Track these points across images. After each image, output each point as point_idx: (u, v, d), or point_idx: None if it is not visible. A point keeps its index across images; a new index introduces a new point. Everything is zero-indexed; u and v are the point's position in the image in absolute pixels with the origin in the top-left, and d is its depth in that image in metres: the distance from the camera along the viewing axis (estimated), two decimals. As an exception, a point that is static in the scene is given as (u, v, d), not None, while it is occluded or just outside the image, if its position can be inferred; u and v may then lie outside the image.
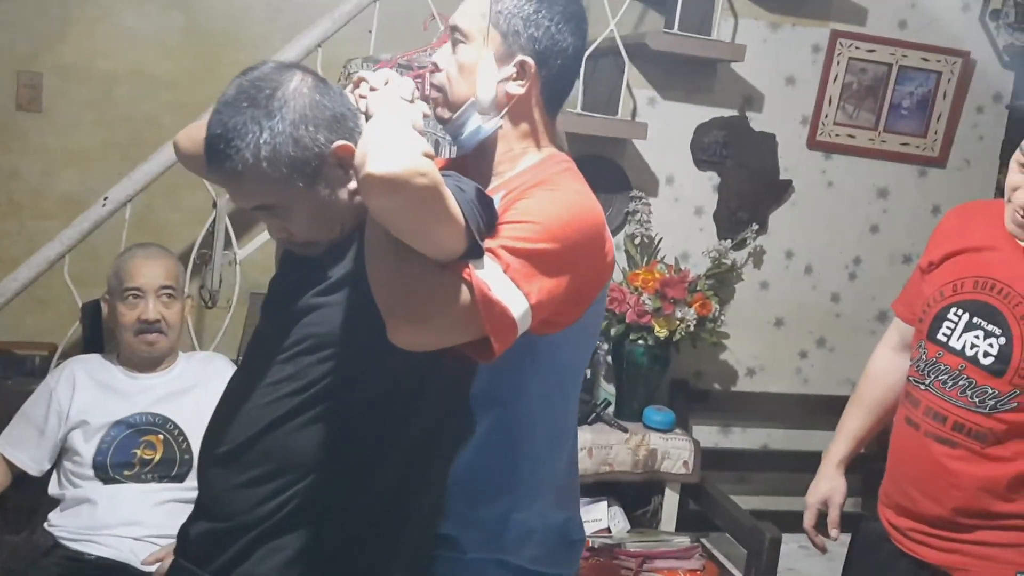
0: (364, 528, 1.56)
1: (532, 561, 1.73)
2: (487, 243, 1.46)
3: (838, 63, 3.81)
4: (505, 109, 1.66)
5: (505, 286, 1.44)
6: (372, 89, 1.55)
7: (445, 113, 1.71)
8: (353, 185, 1.53)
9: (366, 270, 1.45)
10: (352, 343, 1.53)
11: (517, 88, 1.65)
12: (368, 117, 1.51)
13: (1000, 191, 4.00)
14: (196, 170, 1.74)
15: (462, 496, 1.68)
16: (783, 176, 3.77)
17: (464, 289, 1.40)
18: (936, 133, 3.99)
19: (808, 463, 2.62)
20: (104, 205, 2.95)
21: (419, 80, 2.95)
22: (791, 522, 2.84)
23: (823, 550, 2.41)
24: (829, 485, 2.38)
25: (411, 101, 1.55)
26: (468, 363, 1.56)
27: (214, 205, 3.11)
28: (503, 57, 1.65)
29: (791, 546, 3.42)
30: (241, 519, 1.55)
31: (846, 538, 2.41)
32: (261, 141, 1.45)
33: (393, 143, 1.33)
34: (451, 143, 1.81)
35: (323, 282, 1.56)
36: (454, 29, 1.69)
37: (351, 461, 1.55)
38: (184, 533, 1.67)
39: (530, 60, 1.64)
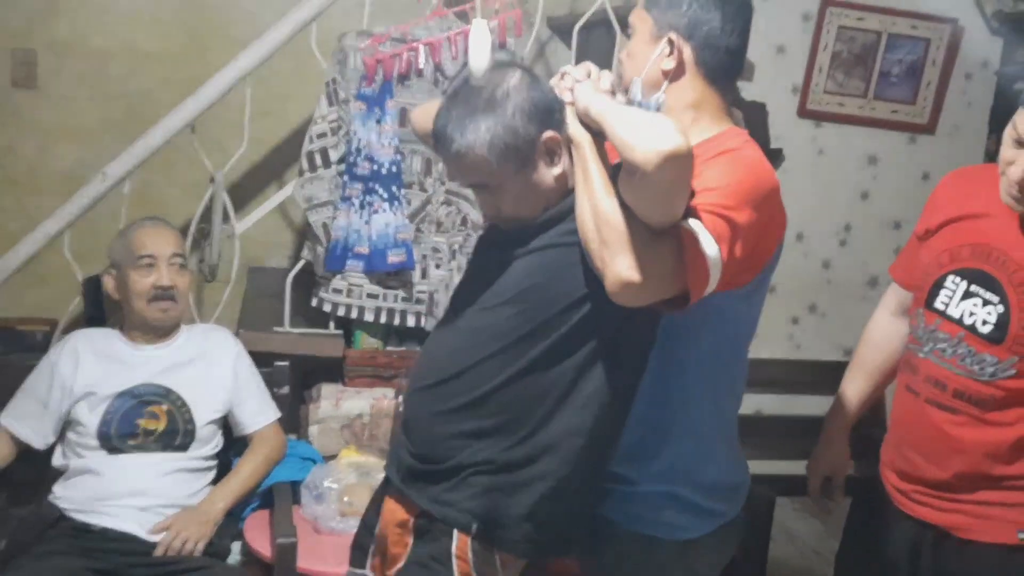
0: (573, 468, 1.72)
1: (701, 495, 1.85)
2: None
3: (828, 31, 3.83)
4: (664, 84, 1.78)
5: (708, 244, 1.58)
6: (577, 81, 1.72)
7: (621, 98, 1.82)
8: (558, 170, 1.71)
9: (580, 236, 1.63)
10: (558, 298, 1.69)
11: (669, 63, 1.78)
12: (577, 107, 1.69)
13: (989, 157, 4.06)
14: (426, 142, 1.93)
15: (638, 441, 1.83)
16: (774, 145, 3.79)
17: (678, 249, 1.57)
18: (925, 100, 4.01)
19: (801, 427, 2.64)
20: (103, 180, 2.96)
21: (413, 53, 2.99)
22: (785, 485, 2.88)
23: (828, 515, 2.42)
24: (834, 455, 2.38)
25: (612, 93, 1.73)
26: (653, 317, 1.73)
27: (212, 180, 3.12)
28: (655, 37, 1.79)
29: (785, 508, 3.47)
30: (446, 451, 1.74)
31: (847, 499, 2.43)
32: (483, 131, 1.66)
33: (660, 123, 1.49)
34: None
35: (529, 243, 1.73)
36: (625, 24, 1.89)
37: (556, 408, 1.71)
38: (397, 459, 1.86)
39: (675, 35, 1.76)
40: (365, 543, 1.93)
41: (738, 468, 1.96)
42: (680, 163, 1.47)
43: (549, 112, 1.70)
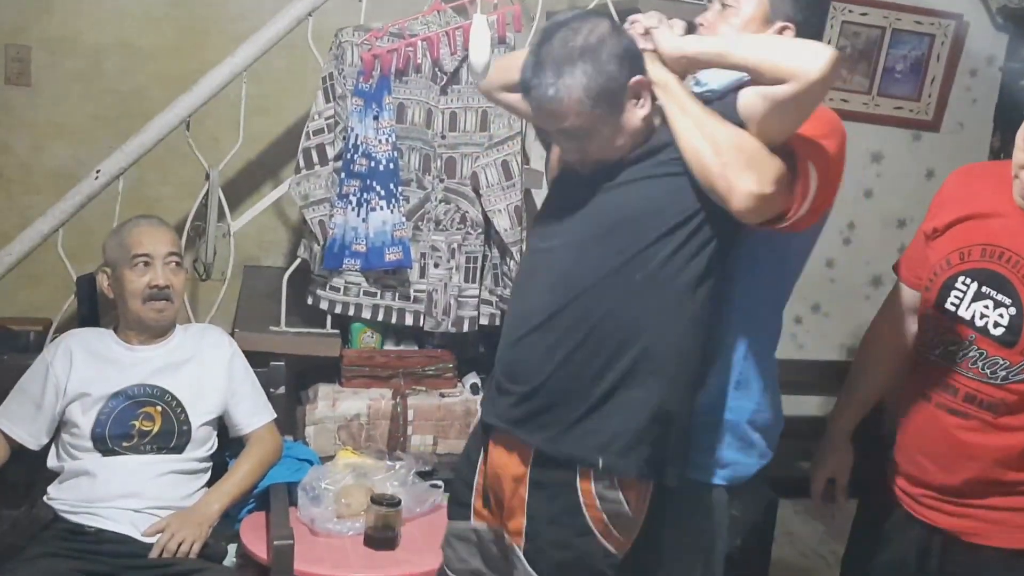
0: (674, 389, 1.81)
1: (746, 426, 1.95)
2: None
3: (831, 27, 3.81)
4: None
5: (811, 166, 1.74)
6: (650, 28, 1.80)
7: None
8: (644, 112, 1.79)
9: (691, 166, 1.73)
10: (654, 226, 1.77)
11: None
12: (663, 51, 1.77)
13: (994, 154, 4.04)
14: (500, 98, 2.04)
15: None
16: (777, 141, 3.77)
17: (789, 164, 1.72)
18: (930, 97, 4.00)
19: (803, 428, 2.62)
20: (96, 178, 2.94)
21: (411, 49, 2.97)
22: (787, 486, 2.86)
23: (832, 517, 2.40)
24: (837, 457, 2.35)
25: None
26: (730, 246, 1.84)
27: (207, 177, 3.09)
28: (767, 20, 1.87)
29: (787, 510, 3.44)
30: (560, 385, 1.80)
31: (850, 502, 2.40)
32: (579, 75, 1.72)
33: (801, 45, 1.67)
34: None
35: (616, 177, 1.82)
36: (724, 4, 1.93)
37: (658, 333, 1.78)
38: (500, 407, 1.90)
39: (791, 26, 1.86)
40: (464, 497, 2.00)
41: (776, 408, 2.02)
42: (833, 76, 1.63)
43: (637, 57, 1.77)
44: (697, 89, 1.84)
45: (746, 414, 1.93)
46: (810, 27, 1.86)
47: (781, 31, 1.85)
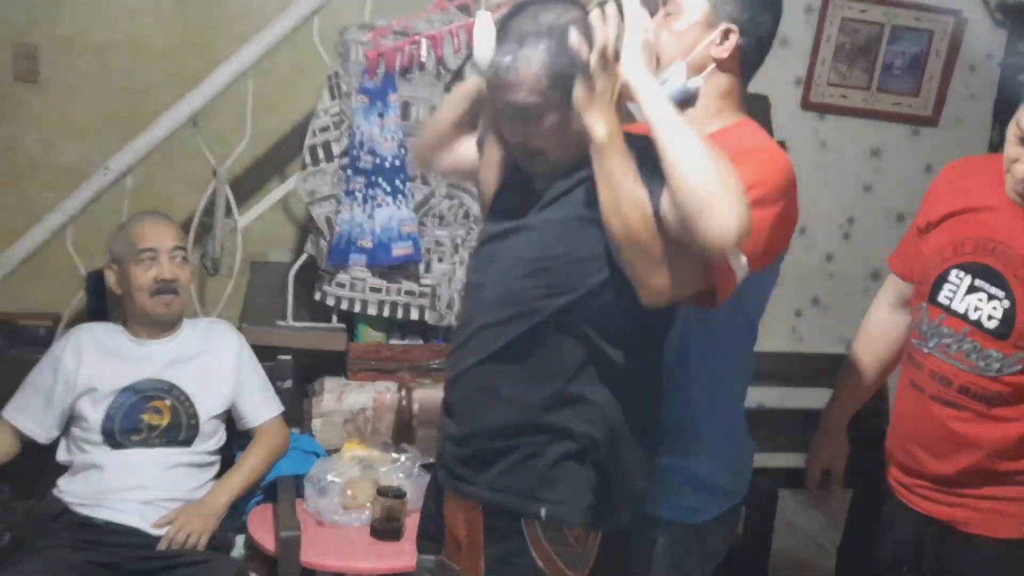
0: (618, 437, 1.72)
1: (715, 473, 1.88)
2: None
3: (831, 23, 3.82)
4: (708, 70, 1.80)
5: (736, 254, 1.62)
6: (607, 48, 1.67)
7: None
8: None
9: (606, 229, 1.61)
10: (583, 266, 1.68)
11: (721, 52, 1.79)
12: (621, 75, 1.63)
13: (993, 149, 4.05)
14: (438, 163, 1.98)
15: None
16: (776, 137, 3.75)
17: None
18: (928, 92, 4.00)
19: (803, 420, 2.63)
20: (105, 174, 2.96)
21: (415, 46, 2.98)
22: (787, 477, 2.88)
23: (828, 508, 2.41)
24: (832, 448, 2.36)
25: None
26: None
27: (214, 174, 3.12)
28: (709, 24, 1.79)
29: (787, 500, 3.46)
30: (493, 429, 1.74)
31: (846, 492, 2.42)
32: (541, 49, 1.63)
33: (733, 191, 1.52)
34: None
35: (540, 205, 1.72)
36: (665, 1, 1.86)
37: (593, 378, 1.70)
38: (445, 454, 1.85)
39: (734, 28, 1.78)
40: (432, 531, 1.93)
41: (748, 450, 1.98)
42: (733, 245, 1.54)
43: None
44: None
45: (710, 465, 1.87)
46: (757, 26, 1.79)
47: (725, 34, 1.78)
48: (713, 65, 1.79)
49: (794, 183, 1.75)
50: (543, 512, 1.70)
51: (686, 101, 1.81)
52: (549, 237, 1.70)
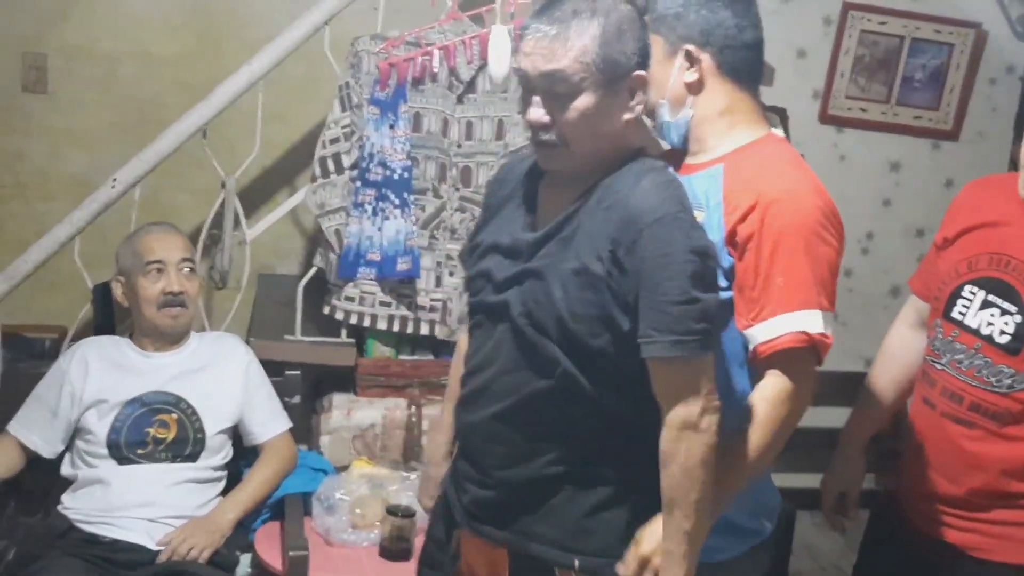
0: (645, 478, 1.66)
1: (736, 513, 1.83)
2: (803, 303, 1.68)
3: (850, 36, 3.80)
4: (690, 99, 1.78)
5: (823, 323, 1.69)
6: None
7: (650, 121, 1.86)
8: (631, 115, 1.65)
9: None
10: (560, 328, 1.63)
11: (692, 75, 1.77)
12: None
13: (1015, 164, 4.01)
14: None
15: None
16: (794, 151, 3.76)
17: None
18: (949, 106, 3.97)
19: (822, 440, 2.59)
20: (113, 187, 2.94)
21: (427, 57, 2.96)
22: (805, 499, 2.83)
23: (843, 531, 2.38)
24: (849, 470, 2.32)
25: None
26: None
27: (223, 185, 3.09)
28: (670, 54, 1.77)
29: (805, 522, 3.42)
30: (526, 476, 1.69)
31: (863, 513, 2.37)
32: (594, 25, 1.58)
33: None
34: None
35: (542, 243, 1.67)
36: None
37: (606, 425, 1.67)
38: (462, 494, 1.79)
39: (691, 46, 1.75)
40: (435, 560, 1.89)
41: (769, 486, 1.94)
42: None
43: (647, 55, 1.65)
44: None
45: (739, 498, 1.80)
46: (726, 34, 1.76)
47: (689, 56, 1.75)
48: (691, 95, 1.77)
49: (833, 213, 1.74)
50: (577, 563, 1.67)
51: (686, 135, 1.81)
52: (557, 290, 1.62)
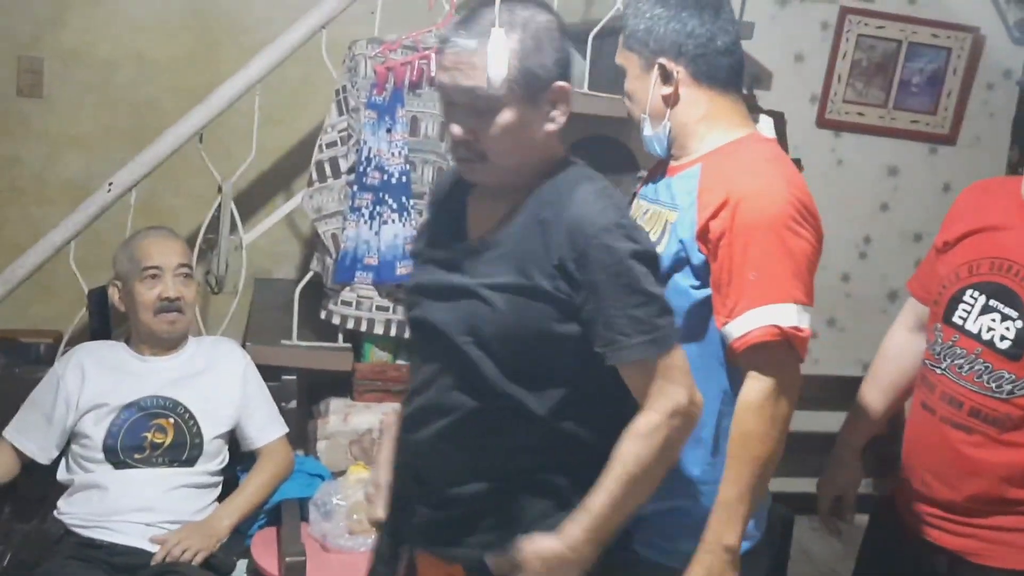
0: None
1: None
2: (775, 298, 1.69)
3: (847, 40, 3.80)
4: (668, 111, 1.82)
5: (797, 316, 1.71)
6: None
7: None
8: (553, 127, 1.65)
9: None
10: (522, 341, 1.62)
11: (667, 89, 1.80)
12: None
13: (1011, 168, 4.01)
14: None
15: None
16: (792, 155, 3.72)
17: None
18: (946, 110, 3.97)
19: (819, 444, 2.59)
20: (109, 191, 2.93)
21: (425, 61, 2.95)
22: (803, 503, 2.83)
23: (839, 535, 2.38)
24: (845, 474, 2.32)
25: None
26: None
27: (219, 189, 3.09)
28: (645, 69, 1.81)
29: (802, 527, 3.41)
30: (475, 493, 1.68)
31: (861, 518, 2.37)
32: (513, 39, 1.59)
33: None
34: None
35: (480, 274, 1.65)
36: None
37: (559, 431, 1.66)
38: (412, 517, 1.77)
39: (664, 59, 1.79)
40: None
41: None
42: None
43: (567, 65, 1.65)
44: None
45: (707, 510, 1.77)
46: (687, 44, 1.77)
47: (663, 70, 1.78)
48: (668, 107, 1.81)
49: (811, 207, 1.74)
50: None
51: (670, 144, 1.85)
52: (499, 305, 1.61)
